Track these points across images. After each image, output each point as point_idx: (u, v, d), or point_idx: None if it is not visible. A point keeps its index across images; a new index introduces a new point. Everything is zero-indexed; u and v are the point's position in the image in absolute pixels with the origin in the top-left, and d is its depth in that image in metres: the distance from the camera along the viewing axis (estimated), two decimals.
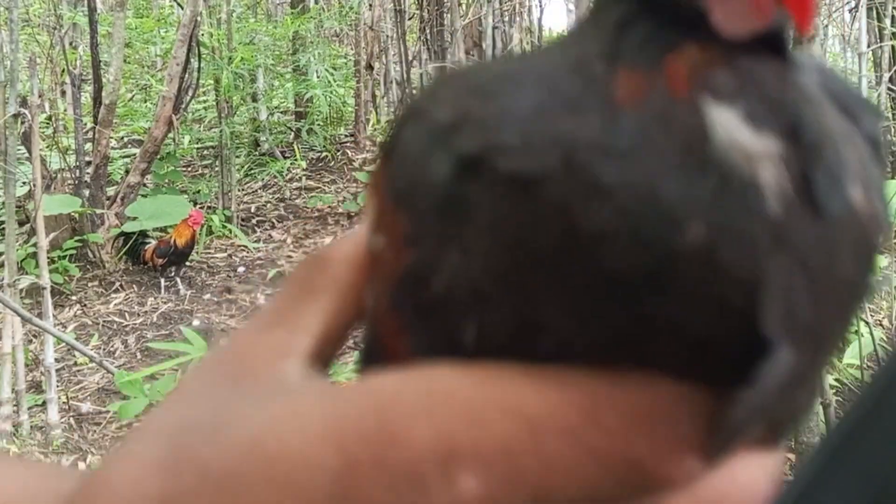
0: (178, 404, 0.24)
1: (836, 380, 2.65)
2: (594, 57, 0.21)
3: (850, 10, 5.50)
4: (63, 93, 6.12)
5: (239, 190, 5.59)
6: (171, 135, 5.06)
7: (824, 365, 0.22)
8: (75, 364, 3.44)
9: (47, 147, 4.77)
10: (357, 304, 0.26)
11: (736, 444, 0.21)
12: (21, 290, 3.11)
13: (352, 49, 7.21)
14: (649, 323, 0.20)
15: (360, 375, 0.27)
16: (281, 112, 7.04)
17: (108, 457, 0.24)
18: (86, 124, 5.19)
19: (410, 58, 6.00)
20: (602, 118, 0.20)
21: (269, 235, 5.14)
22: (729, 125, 0.19)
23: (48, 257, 3.17)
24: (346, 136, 6.72)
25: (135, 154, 5.24)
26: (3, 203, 3.22)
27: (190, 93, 5.02)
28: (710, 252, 0.19)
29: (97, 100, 4.71)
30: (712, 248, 0.19)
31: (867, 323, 2.40)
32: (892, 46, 4.93)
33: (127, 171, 4.96)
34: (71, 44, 5.38)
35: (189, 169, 6.21)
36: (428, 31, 5.60)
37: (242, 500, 0.20)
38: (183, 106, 5.01)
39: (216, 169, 5.58)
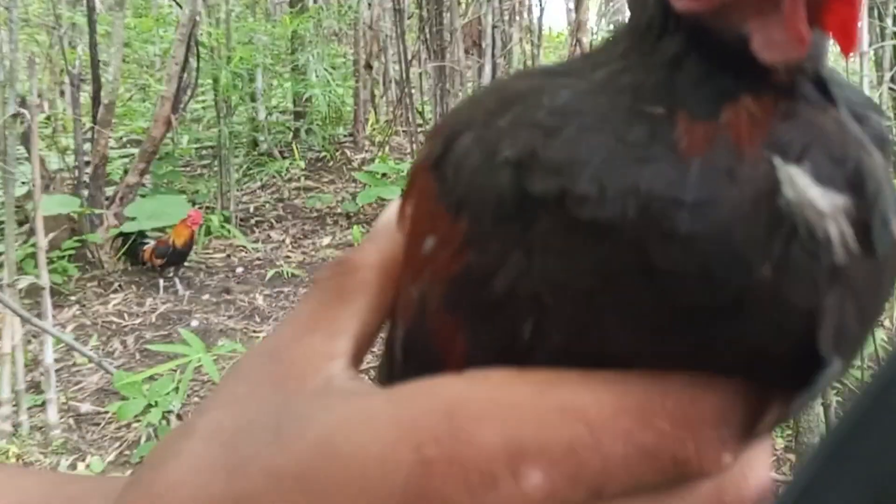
0: (226, 407, 0.25)
1: (837, 380, 2.65)
2: (651, 97, 0.23)
3: None
4: (62, 93, 6.12)
5: (237, 190, 5.58)
6: (169, 135, 5.06)
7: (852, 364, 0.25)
8: (74, 364, 3.44)
9: (46, 147, 4.77)
10: (387, 306, 0.28)
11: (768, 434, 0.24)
12: (20, 291, 3.11)
13: (351, 48, 7.21)
14: (711, 343, 0.22)
15: (399, 374, 0.28)
16: (279, 112, 7.04)
17: (155, 459, 0.25)
18: (85, 124, 5.18)
19: (410, 57, 5.99)
20: (671, 169, 0.21)
21: (268, 236, 5.13)
22: (799, 184, 0.21)
23: (47, 257, 3.17)
24: (344, 135, 6.71)
25: (133, 154, 5.24)
26: (3, 203, 3.21)
27: (188, 92, 5.02)
28: (777, 291, 0.21)
29: (96, 99, 4.71)
30: (779, 288, 0.21)
31: None
32: (894, 46, 4.93)
33: (126, 171, 4.96)
34: (70, 44, 5.38)
35: (188, 169, 6.20)
36: (427, 30, 5.60)
37: (316, 500, 0.21)
38: (181, 106, 5.01)
39: (215, 169, 5.58)
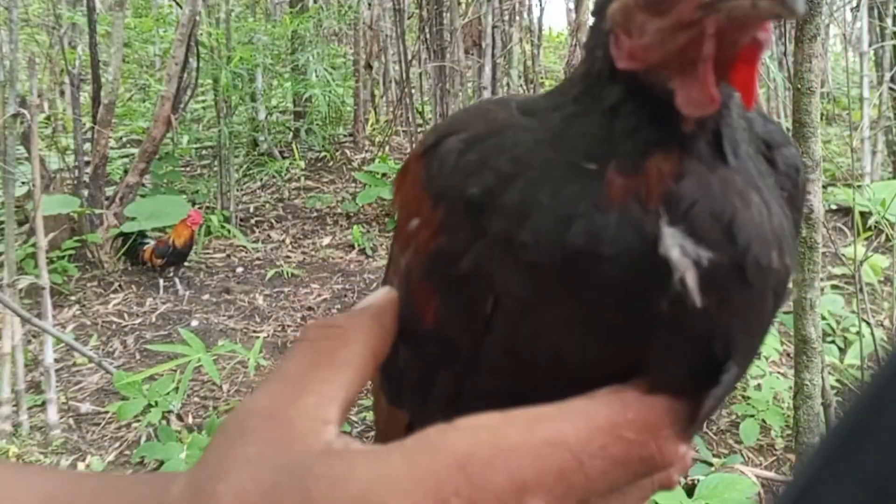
0: (243, 471, 0.27)
1: (837, 380, 2.65)
2: (590, 150, 0.29)
3: (851, 10, 5.50)
4: (62, 93, 6.13)
5: (237, 190, 5.59)
6: (169, 135, 5.06)
7: (749, 367, 0.33)
8: (74, 364, 3.44)
9: (46, 147, 4.77)
10: (368, 378, 0.32)
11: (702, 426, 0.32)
12: (20, 291, 3.11)
13: (351, 48, 7.21)
14: (637, 350, 0.29)
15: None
16: (280, 112, 7.04)
17: None
18: (85, 124, 5.19)
19: (409, 57, 5.99)
20: (592, 225, 0.28)
21: (268, 235, 5.13)
22: (668, 242, 0.28)
23: (47, 257, 3.17)
24: (344, 135, 6.71)
25: (133, 154, 5.24)
26: (3, 203, 3.22)
27: (188, 92, 5.02)
28: (672, 319, 0.28)
29: (96, 100, 4.71)
30: (673, 317, 0.28)
31: (868, 323, 2.40)
32: (894, 46, 4.93)
33: (126, 171, 4.96)
34: (70, 44, 5.38)
35: (188, 169, 6.20)
36: (427, 30, 5.60)
37: None
38: (181, 106, 5.01)
39: (215, 169, 5.58)
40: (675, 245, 0.28)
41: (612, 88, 0.29)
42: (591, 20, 0.31)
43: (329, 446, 0.28)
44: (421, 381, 0.35)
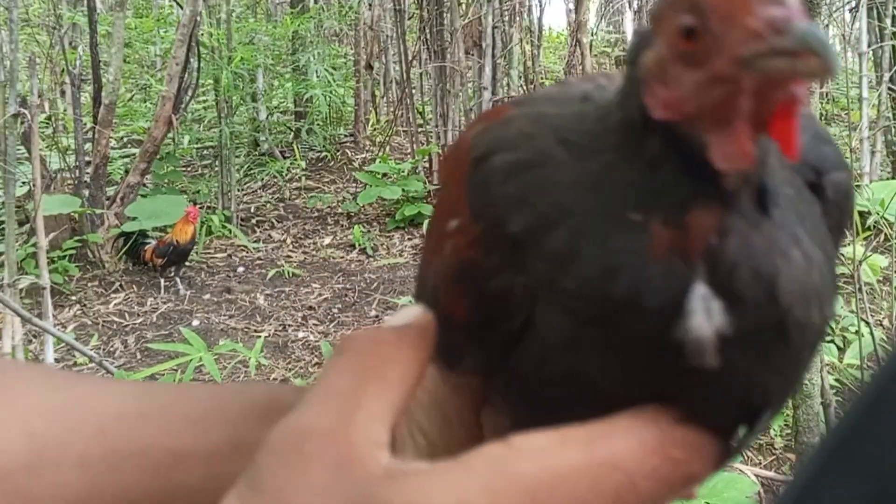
0: (311, 495, 0.27)
1: (836, 380, 2.65)
2: (634, 201, 0.29)
3: (850, 10, 5.50)
4: (63, 93, 6.12)
5: (238, 190, 5.59)
6: (170, 135, 5.06)
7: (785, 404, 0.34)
8: (75, 364, 3.44)
9: (47, 147, 4.77)
10: (412, 395, 0.32)
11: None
12: (21, 290, 3.11)
13: (351, 49, 7.21)
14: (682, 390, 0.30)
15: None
16: (280, 112, 7.04)
17: None
18: (85, 124, 5.19)
19: (410, 57, 5.99)
20: (635, 279, 0.28)
21: (269, 235, 5.14)
22: (698, 305, 0.28)
23: (48, 257, 3.17)
24: (345, 135, 6.72)
25: (134, 154, 5.24)
26: (3, 203, 3.22)
27: (189, 93, 5.02)
28: (710, 372, 0.29)
29: (97, 100, 4.71)
30: (718, 373, 0.29)
31: (867, 323, 2.40)
32: (893, 46, 4.93)
33: (126, 171, 4.96)
34: (70, 44, 5.39)
35: (189, 169, 6.20)
36: (428, 30, 5.60)
37: None
38: (182, 106, 5.01)
39: (216, 169, 5.58)
40: (700, 308, 0.28)
41: (651, 139, 0.29)
42: (625, 68, 0.32)
43: (389, 470, 0.28)
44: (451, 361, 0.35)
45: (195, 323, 3.85)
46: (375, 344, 0.32)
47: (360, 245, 4.81)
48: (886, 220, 3.28)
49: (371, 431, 0.29)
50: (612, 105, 0.32)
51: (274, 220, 5.33)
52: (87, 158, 4.68)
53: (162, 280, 4.26)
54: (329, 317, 3.95)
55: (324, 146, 6.36)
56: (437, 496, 0.27)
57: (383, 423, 0.29)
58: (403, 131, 6.40)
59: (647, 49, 0.30)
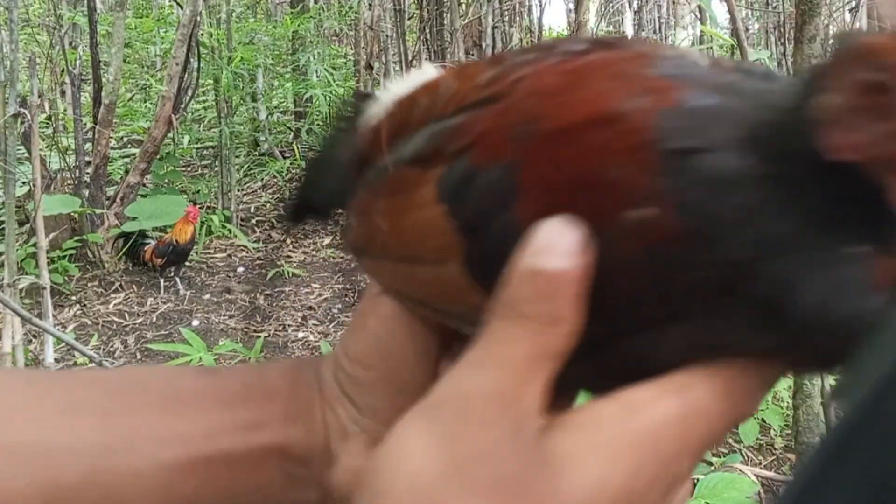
0: (495, 458, 0.29)
1: (837, 380, 2.65)
2: (841, 229, 0.29)
3: (850, 10, 5.50)
4: (63, 93, 6.12)
5: (238, 190, 5.59)
6: (170, 135, 5.06)
7: None
8: (75, 364, 3.44)
9: (47, 147, 4.77)
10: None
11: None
12: (21, 290, 3.11)
13: (351, 49, 7.21)
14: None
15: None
16: (280, 112, 7.04)
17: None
18: (85, 124, 5.19)
19: (410, 57, 6.00)
20: (866, 301, 0.29)
21: (269, 235, 5.14)
22: None
23: (48, 257, 3.17)
24: None
25: (134, 154, 5.24)
26: (3, 203, 3.22)
27: (189, 93, 5.02)
28: None
29: (97, 100, 4.71)
30: None
31: None
32: None
33: (126, 171, 4.96)
34: (71, 44, 5.38)
35: (189, 169, 6.20)
36: (428, 30, 5.60)
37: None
38: (182, 106, 5.01)
39: (216, 169, 5.58)
40: None
41: (832, 178, 0.30)
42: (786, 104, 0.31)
43: (544, 432, 0.30)
44: None
45: (195, 323, 3.85)
46: (549, 312, 0.31)
47: None
48: None
49: (537, 398, 0.31)
50: (783, 132, 0.31)
51: (274, 220, 5.33)
52: (87, 158, 4.68)
53: (162, 280, 4.26)
54: (329, 317, 3.95)
55: None
56: (606, 451, 0.30)
57: (545, 394, 0.31)
58: None
59: (818, 94, 0.30)
